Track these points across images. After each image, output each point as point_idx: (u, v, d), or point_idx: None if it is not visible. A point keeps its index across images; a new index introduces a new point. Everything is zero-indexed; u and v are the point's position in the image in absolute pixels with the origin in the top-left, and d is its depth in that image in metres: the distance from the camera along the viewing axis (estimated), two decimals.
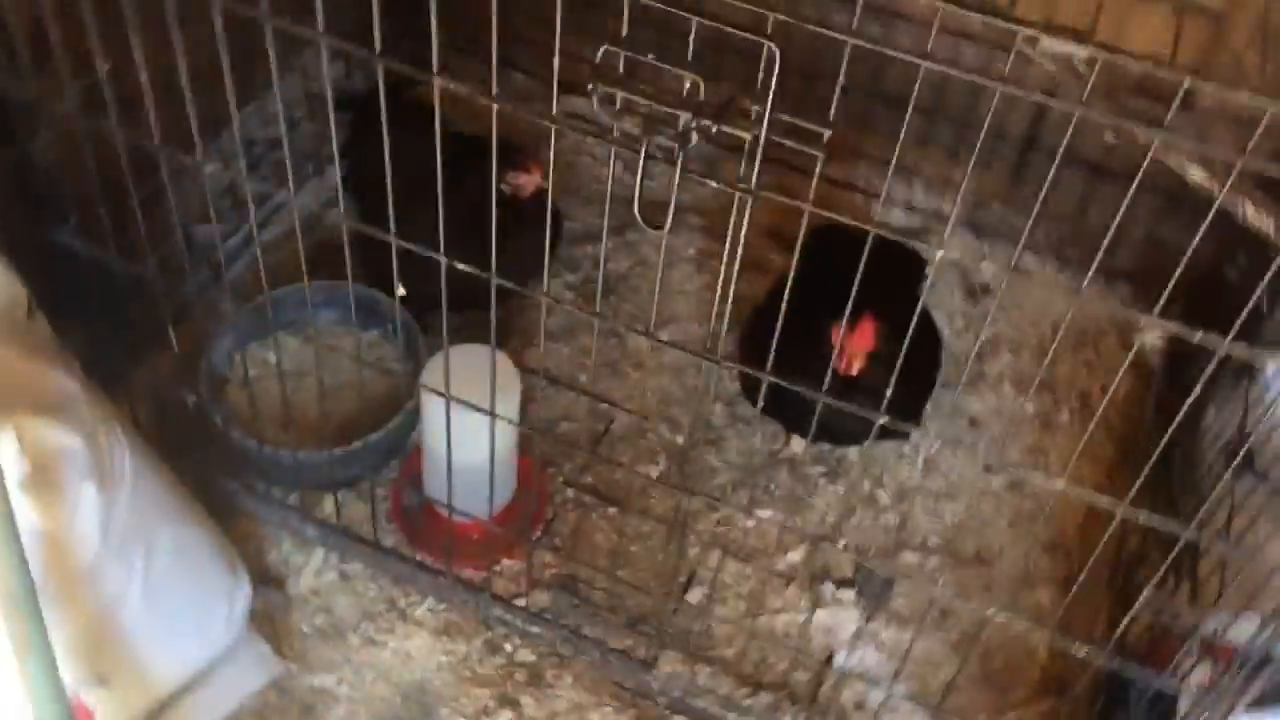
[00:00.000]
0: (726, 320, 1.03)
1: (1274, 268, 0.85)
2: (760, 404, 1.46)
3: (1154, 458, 1.02)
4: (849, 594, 1.47)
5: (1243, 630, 1.11)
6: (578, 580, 1.45)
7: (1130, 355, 1.70)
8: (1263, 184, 1.25)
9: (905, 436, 1.60)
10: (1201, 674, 1.15)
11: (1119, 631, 1.12)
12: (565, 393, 1.59)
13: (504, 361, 1.33)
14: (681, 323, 1.73)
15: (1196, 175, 1.21)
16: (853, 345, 1.30)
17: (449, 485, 1.25)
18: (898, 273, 1.55)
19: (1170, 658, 1.26)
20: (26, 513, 1.03)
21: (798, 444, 1.59)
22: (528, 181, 1.44)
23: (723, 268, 0.94)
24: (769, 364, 1.08)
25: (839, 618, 1.44)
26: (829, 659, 1.42)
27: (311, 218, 1.78)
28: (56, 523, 1.07)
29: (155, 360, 1.57)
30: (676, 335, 1.70)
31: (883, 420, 1.07)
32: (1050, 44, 0.81)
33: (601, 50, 0.80)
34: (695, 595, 1.46)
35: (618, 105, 0.82)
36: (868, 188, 1.87)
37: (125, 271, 1.33)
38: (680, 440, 1.59)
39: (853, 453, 1.59)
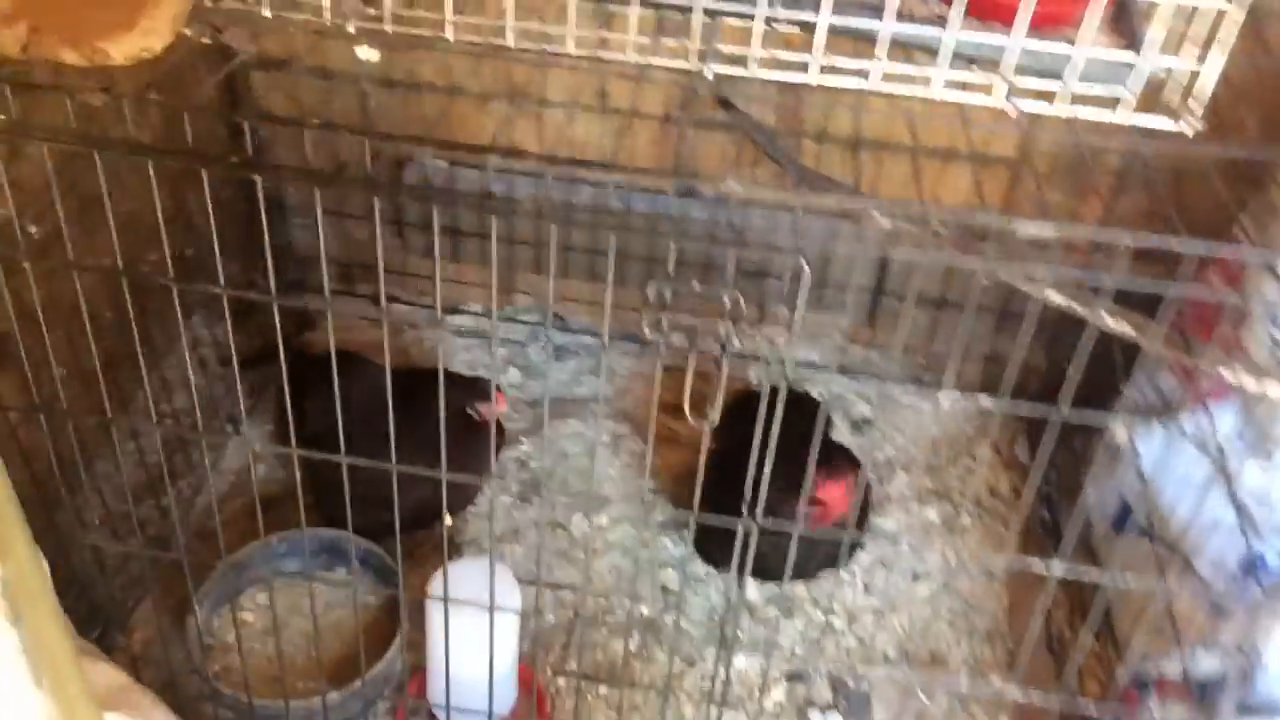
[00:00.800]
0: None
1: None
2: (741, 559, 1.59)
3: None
4: (835, 716, 1.60)
5: (1202, 665, 1.31)
6: None
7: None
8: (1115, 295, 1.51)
9: (837, 566, 1.77)
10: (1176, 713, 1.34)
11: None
12: (528, 590, 1.69)
13: (505, 572, 1.42)
14: (616, 503, 1.86)
15: (1055, 297, 1.46)
16: (833, 503, 1.48)
17: (489, 697, 1.32)
18: (802, 416, 1.75)
19: (1133, 710, 1.45)
20: None
21: (752, 590, 1.73)
22: (492, 411, 1.56)
23: (755, 458, 1.08)
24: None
25: None
26: None
27: (243, 471, 1.84)
28: None
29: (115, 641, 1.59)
30: (615, 514, 1.84)
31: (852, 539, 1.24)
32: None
33: (653, 289, 0.96)
34: None
35: (665, 326, 0.98)
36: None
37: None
38: (645, 610, 1.71)
39: (800, 588, 1.75)
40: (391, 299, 2.15)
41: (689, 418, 1.05)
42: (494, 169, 1.89)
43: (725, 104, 1.82)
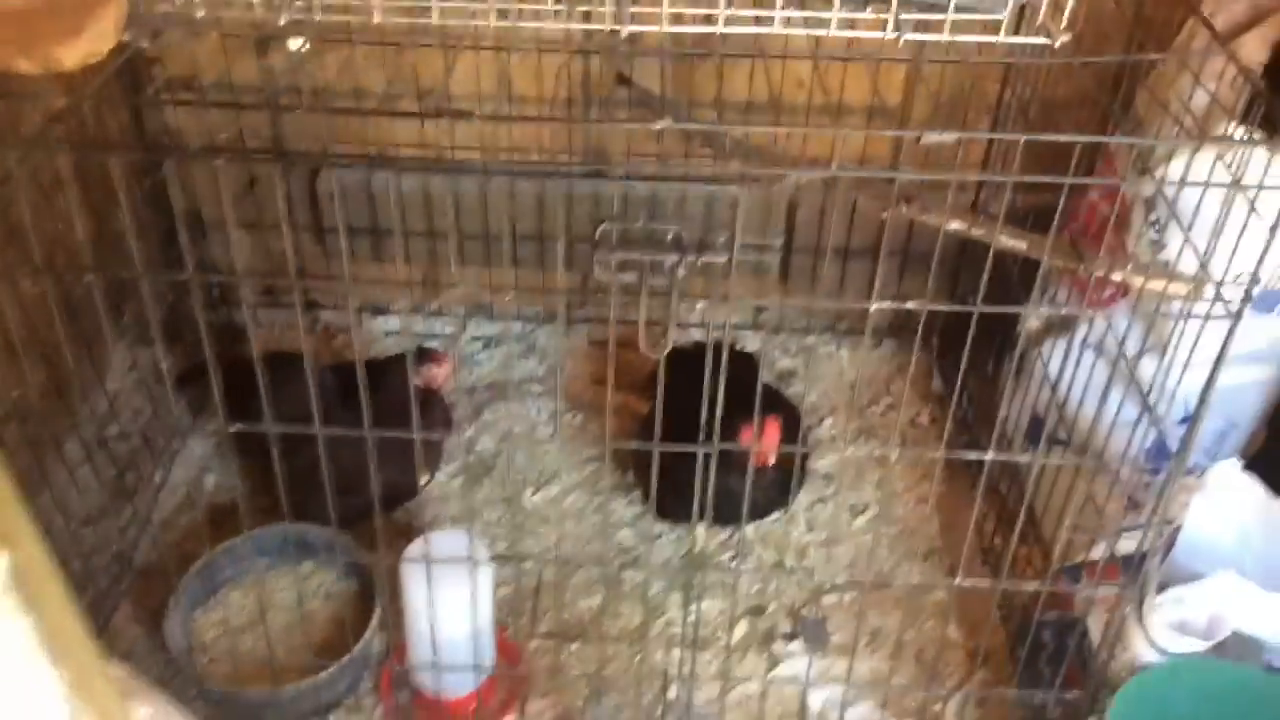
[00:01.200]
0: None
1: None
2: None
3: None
4: (797, 645, 1.69)
5: (1126, 544, 1.43)
6: (573, 716, 1.60)
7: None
8: (1007, 219, 1.62)
9: (786, 506, 1.86)
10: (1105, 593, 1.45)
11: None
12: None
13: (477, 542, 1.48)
14: (563, 474, 1.93)
15: (956, 225, 1.57)
16: (765, 444, 1.56)
17: (475, 650, 1.39)
18: (739, 368, 1.85)
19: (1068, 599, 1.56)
20: None
21: (705, 539, 1.82)
22: (440, 373, 1.62)
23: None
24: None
25: (796, 667, 1.66)
26: (803, 705, 1.64)
27: (192, 484, 1.87)
28: None
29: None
30: (564, 484, 1.91)
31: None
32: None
33: (600, 227, 1.03)
34: (672, 692, 1.64)
35: (614, 265, 1.05)
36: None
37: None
38: (605, 569, 1.79)
39: (749, 531, 1.84)
40: (317, 305, 2.19)
41: (643, 348, 1.13)
42: (406, 170, 1.95)
43: (625, 81, 1.91)
